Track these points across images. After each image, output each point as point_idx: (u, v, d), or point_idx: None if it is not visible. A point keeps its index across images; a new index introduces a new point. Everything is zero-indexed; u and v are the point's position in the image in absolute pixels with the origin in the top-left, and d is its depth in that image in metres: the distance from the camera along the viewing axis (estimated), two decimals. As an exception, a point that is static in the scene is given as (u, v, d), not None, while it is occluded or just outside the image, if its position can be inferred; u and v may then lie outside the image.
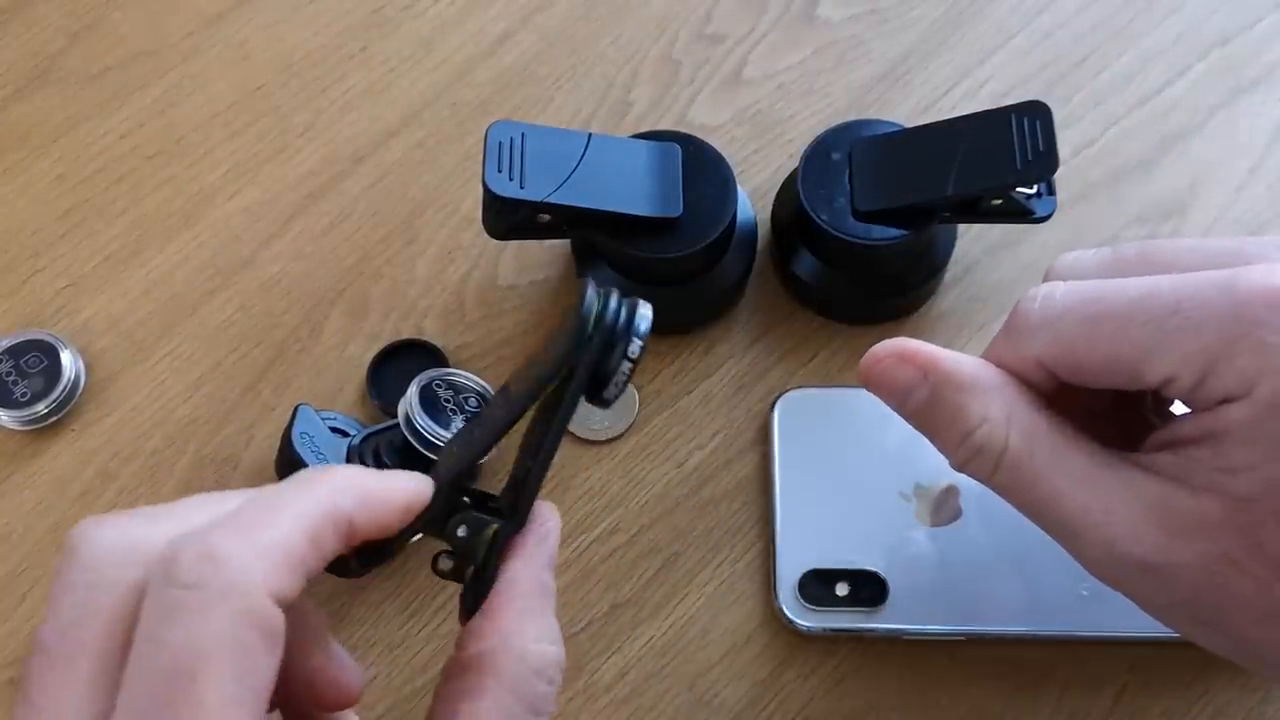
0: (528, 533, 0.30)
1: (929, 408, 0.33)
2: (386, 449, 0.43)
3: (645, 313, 0.28)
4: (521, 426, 0.30)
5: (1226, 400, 0.29)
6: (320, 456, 0.41)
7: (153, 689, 0.23)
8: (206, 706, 0.22)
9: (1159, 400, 0.35)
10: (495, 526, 0.29)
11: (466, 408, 0.42)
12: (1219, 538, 0.29)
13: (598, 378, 0.28)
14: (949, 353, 0.33)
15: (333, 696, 0.28)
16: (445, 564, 0.30)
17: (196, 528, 0.24)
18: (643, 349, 0.28)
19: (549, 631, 0.29)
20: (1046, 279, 0.33)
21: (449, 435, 0.41)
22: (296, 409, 0.42)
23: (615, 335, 0.27)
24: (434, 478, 0.29)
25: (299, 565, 0.25)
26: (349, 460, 0.42)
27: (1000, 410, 0.31)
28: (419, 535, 0.29)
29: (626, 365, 0.27)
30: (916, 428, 0.34)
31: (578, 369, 0.27)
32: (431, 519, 0.29)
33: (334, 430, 0.43)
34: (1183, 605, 0.30)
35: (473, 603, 0.29)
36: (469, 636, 0.28)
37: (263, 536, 0.24)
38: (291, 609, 0.24)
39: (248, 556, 0.24)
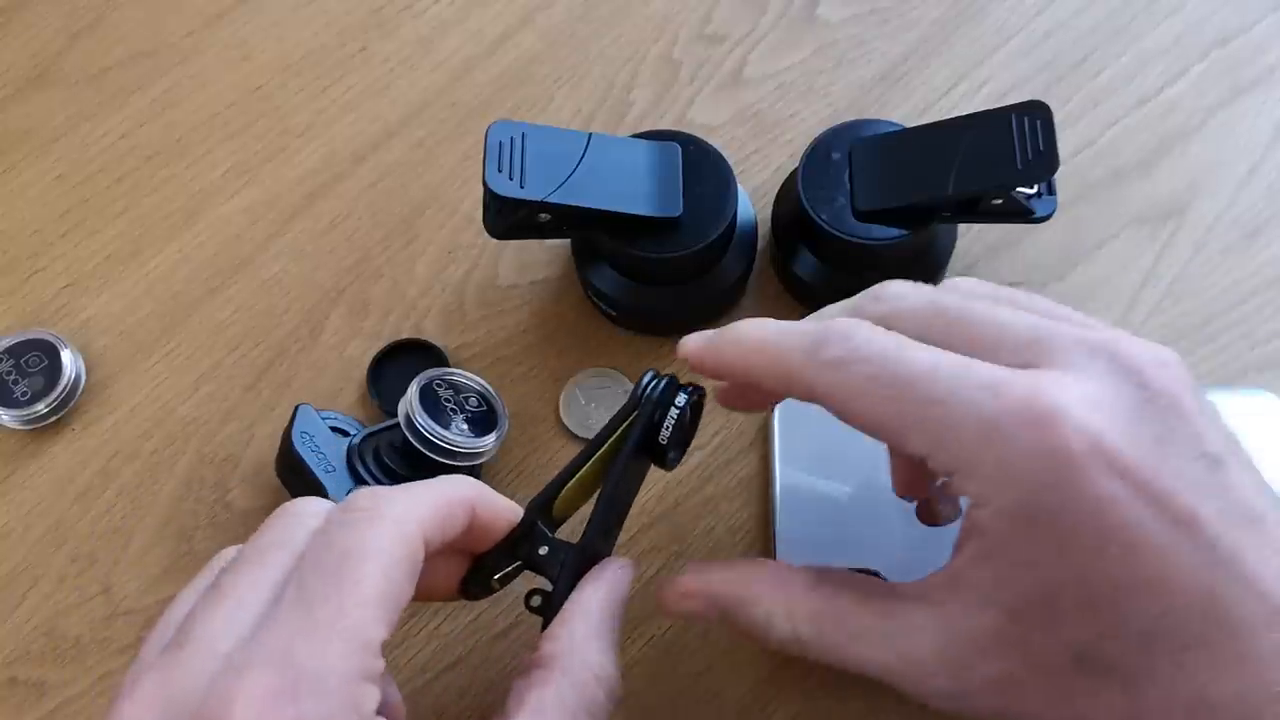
0: (607, 567, 0.35)
1: (732, 622, 0.34)
2: (386, 449, 0.43)
3: (681, 399, 0.35)
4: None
5: (975, 504, 0.30)
6: (320, 456, 0.42)
7: (322, 567, 0.29)
8: (364, 585, 0.28)
9: None
10: (569, 548, 0.35)
11: (466, 408, 0.42)
12: (999, 658, 0.30)
13: (648, 434, 0.35)
14: (722, 573, 0.35)
15: (386, 713, 0.30)
16: (536, 601, 0.35)
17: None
18: (679, 417, 0.35)
19: (612, 654, 0.33)
20: (870, 296, 0.34)
21: (449, 435, 0.41)
22: (297, 409, 0.42)
23: (659, 406, 0.35)
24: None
25: (437, 524, 0.31)
26: (349, 460, 0.42)
27: (779, 611, 0.33)
28: (517, 563, 0.35)
29: (669, 422, 0.35)
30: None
31: (632, 428, 0.35)
32: (523, 535, 0.35)
33: (334, 430, 0.43)
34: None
35: (547, 615, 0.35)
36: (544, 639, 0.33)
37: (415, 496, 0.31)
38: None
39: (406, 501, 0.31)
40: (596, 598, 0.34)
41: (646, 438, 0.35)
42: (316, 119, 0.52)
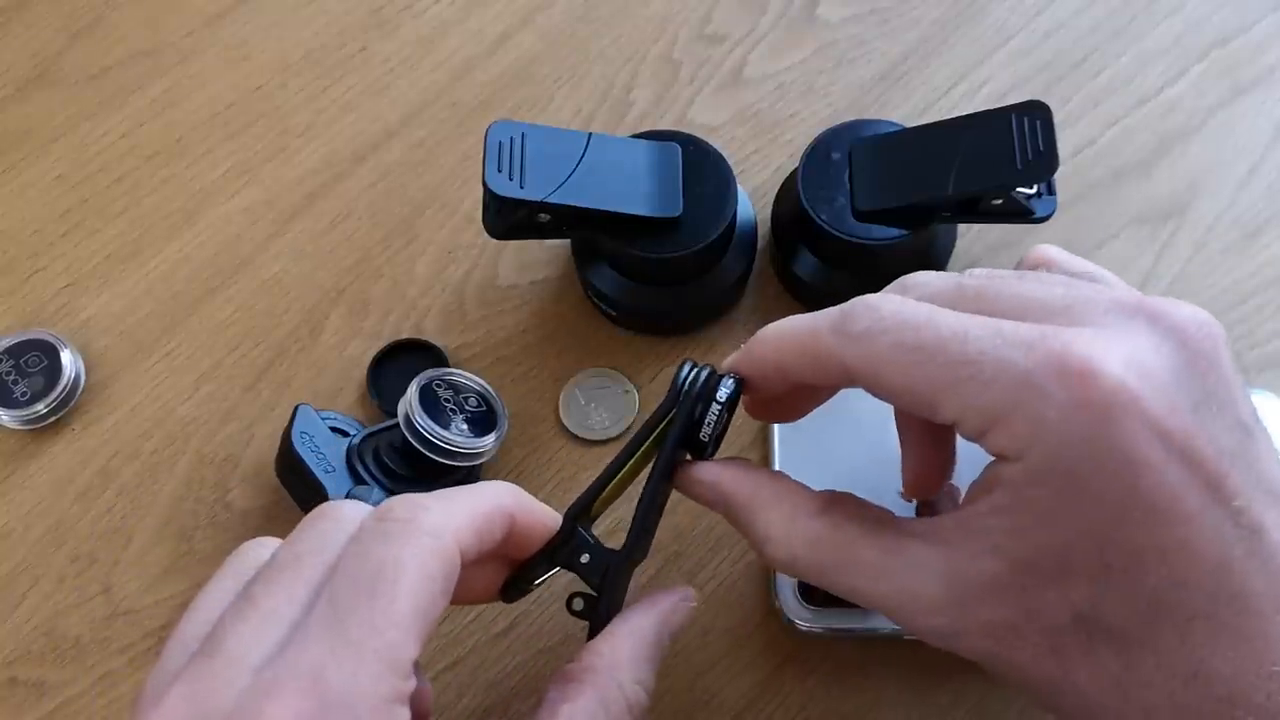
0: (671, 594, 0.35)
1: (733, 522, 0.34)
2: (386, 449, 0.43)
3: (728, 384, 0.35)
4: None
5: (1004, 458, 0.29)
6: (320, 456, 0.42)
7: (355, 581, 0.28)
8: (398, 603, 0.27)
9: None
10: (612, 555, 0.35)
11: (466, 408, 0.42)
12: (999, 605, 0.29)
13: (691, 428, 0.35)
14: (733, 473, 0.34)
15: (416, 704, 0.30)
16: (578, 604, 0.35)
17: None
18: (723, 408, 0.34)
19: (647, 680, 0.33)
20: (896, 286, 0.33)
21: (449, 435, 0.41)
22: (296, 409, 0.42)
23: (699, 400, 0.34)
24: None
25: (475, 534, 0.30)
26: (349, 460, 0.42)
27: (780, 528, 0.33)
28: (556, 569, 0.35)
29: (711, 417, 0.34)
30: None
31: (674, 422, 0.34)
32: (563, 542, 0.34)
33: (334, 430, 0.43)
34: (986, 666, 0.31)
35: (594, 624, 0.35)
36: (584, 650, 0.33)
37: (453, 505, 0.31)
38: None
39: (443, 512, 0.30)
40: (647, 623, 0.34)
41: (687, 434, 0.35)
42: (316, 119, 0.52)
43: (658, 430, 0.35)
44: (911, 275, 0.33)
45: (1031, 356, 0.28)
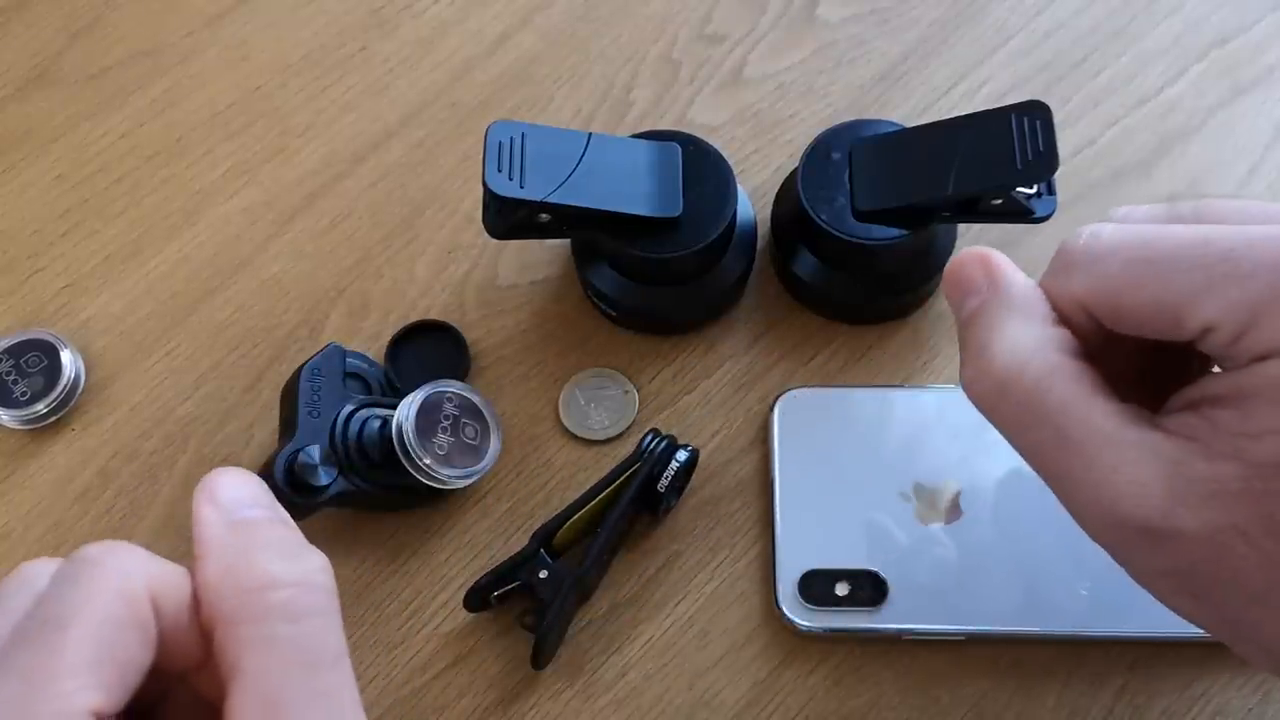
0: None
1: (976, 315, 0.32)
2: (368, 432, 0.42)
3: (681, 455, 0.42)
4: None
5: (1263, 357, 0.27)
6: (315, 398, 0.42)
7: (24, 633, 0.24)
8: (65, 659, 0.24)
9: (1204, 361, 0.33)
10: (568, 573, 0.40)
11: (464, 436, 0.42)
12: (1232, 507, 0.27)
13: (646, 485, 0.41)
14: (1015, 270, 0.32)
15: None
16: (529, 620, 0.40)
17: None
18: (676, 474, 0.41)
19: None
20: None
21: (424, 455, 0.40)
22: (328, 346, 0.43)
23: (658, 462, 0.41)
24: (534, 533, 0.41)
25: (175, 582, 0.26)
26: (333, 424, 0.41)
27: (1030, 338, 0.30)
28: (515, 583, 0.41)
29: (667, 476, 0.41)
30: (960, 337, 0.33)
31: (633, 479, 0.41)
32: (523, 560, 0.40)
33: (350, 376, 0.43)
34: (1177, 575, 0.29)
35: (539, 634, 0.40)
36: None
37: (147, 554, 0.27)
38: None
39: (141, 559, 0.26)
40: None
41: (645, 488, 0.41)
42: (316, 119, 0.52)
43: (624, 476, 0.41)
44: (1113, 210, 0.32)
45: None
